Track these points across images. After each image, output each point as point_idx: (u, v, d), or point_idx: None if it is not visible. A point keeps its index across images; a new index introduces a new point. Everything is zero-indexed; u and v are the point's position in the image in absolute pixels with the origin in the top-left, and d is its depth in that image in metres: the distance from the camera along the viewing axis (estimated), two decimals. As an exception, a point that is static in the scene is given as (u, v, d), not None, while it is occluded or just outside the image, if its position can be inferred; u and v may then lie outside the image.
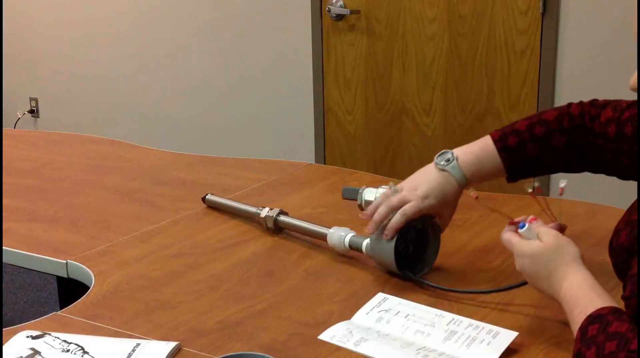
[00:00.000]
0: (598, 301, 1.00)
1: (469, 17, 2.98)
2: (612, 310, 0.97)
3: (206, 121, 3.78)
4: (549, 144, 1.31)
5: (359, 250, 1.37)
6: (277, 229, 1.54)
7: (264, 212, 1.55)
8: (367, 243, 1.35)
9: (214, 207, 1.70)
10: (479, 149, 1.35)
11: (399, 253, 1.31)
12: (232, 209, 1.66)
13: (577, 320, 1.00)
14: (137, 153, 2.21)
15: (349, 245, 1.39)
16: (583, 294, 1.03)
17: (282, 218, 1.53)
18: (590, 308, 0.99)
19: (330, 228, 1.43)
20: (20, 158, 2.14)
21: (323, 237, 1.44)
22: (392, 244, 1.29)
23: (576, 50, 2.83)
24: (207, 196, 1.72)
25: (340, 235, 1.40)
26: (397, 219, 1.29)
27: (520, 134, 1.33)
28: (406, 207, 1.30)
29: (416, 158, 3.22)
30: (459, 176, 1.33)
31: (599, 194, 2.83)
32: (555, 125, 1.32)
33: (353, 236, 1.39)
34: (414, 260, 1.35)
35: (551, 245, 1.10)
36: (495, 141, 1.34)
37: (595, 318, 0.97)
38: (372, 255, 1.34)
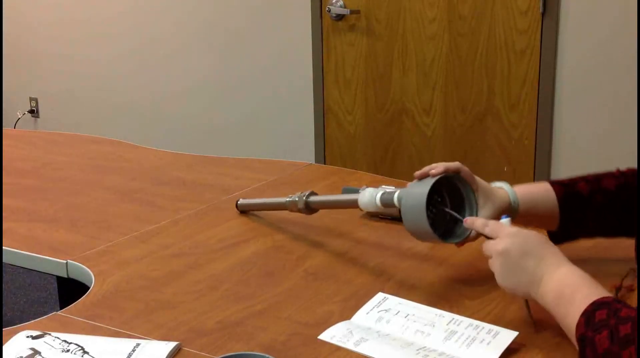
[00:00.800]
0: (600, 290, 1.02)
1: (469, 17, 2.98)
2: (615, 299, 0.99)
3: (206, 121, 3.78)
4: (599, 184, 1.31)
5: (390, 203, 1.33)
6: (311, 210, 1.53)
7: (295, 198, 1.53)
8: (399, 193, 1.30)
9: (245, 211, 1.68)
10: (531, 184, 1.35)
11: (431, 211, 1.26)
12: (267, 207, 1.64)
13: (579, 303, 1.01)
14: (137, 153, 2.21)
15: (381, 202, 1.35)
16: (585, 282, 1.05)
17: (312, 198, 1.51)
18: (595, 295, 1.00)
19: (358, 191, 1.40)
20: (20, 158, 2.14)
21: (354, 204, 1.41)
22: (427, 189, 1.23)
23: (576, 50, 2.83)
24: (239, 202, 1.69)
25: (371, 194, 1.36)
26: (452, 163, 1.28)
27: (573, 177, 1.34)
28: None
29: (416, 158, 3.22)
30: (510, 192, 1.30)
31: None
32: (606, 173, 1.34)
33: (384, 192, 1.35)
34: (444, 231, 1.30)
35: (532, 231, 1.15)
36: (547, 180, 1.34)
37: (602, 305, 0.98)
38: (403, 205, 1.27)
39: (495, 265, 1.14)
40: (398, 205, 1.30)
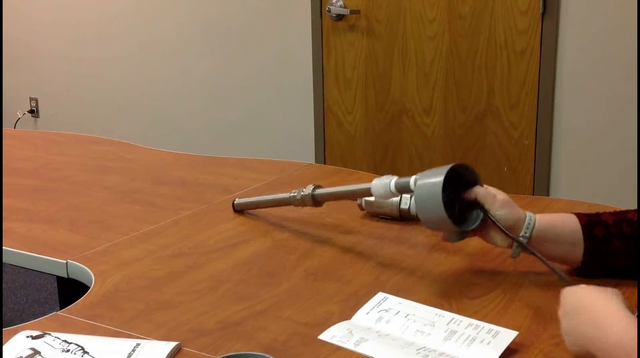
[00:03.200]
0: None
1: (469, 17, 2.98)
2: None
3: (206, 121, 3.79)
4: (625, 216, 1.28)
5: (406, 189, 1.31)
6: (317, 203, 1.52)
7: (300, 194, 1.52)
8: (415, 179, 1.29)
9: (241, 210, 1.68)
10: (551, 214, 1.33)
11: (447, 194, 1.25)
12: (266, 204, 1.63)
13: None
14: (137, 153, 2.21)
15: (396, 188, 1.33)
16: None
17: (319, 191, 1.51)
18: None
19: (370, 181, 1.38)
20: (20, 158, 2.14)
21: (367, 192, 1.39)
22: (444, 172, 1.22)
23: (576, 50, 2.83)
24: (235, 201, 1.68)
25: (384, 182, 1.35)
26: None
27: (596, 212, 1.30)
28: None
29: (416, 158, 3.22)
30: (529, 213, 1.29)
31: (599, 194, 2.83)
32: (630, 209, 1.30)
33: (398, 179, 1.34)
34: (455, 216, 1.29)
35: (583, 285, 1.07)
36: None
37: None
38: (419, 190, 1.26)
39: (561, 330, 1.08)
40: (414, 188, 1.29)
